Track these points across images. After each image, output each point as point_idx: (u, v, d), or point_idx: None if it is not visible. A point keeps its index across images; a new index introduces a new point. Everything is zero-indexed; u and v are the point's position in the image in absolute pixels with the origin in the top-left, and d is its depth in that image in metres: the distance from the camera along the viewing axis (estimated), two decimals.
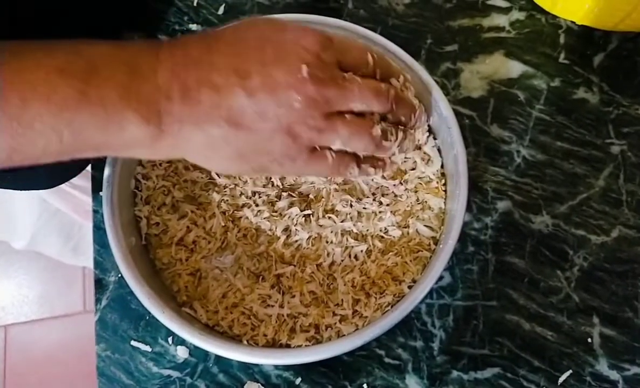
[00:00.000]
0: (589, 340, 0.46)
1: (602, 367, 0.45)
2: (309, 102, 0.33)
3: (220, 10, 0.56)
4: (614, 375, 0.45)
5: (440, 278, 0.47)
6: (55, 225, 0.77)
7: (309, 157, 0.36)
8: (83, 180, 0.67)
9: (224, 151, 0.35)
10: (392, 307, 0.43)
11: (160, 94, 0.33)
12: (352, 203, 0.46)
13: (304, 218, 0.45)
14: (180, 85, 0.33)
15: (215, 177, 0.47)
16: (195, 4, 0.56)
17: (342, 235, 0.45)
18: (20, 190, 0.57)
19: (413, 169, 0.47)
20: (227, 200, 0.47)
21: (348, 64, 0.36)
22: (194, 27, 0.55)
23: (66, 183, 0.64)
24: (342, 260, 0.45)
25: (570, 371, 0.45)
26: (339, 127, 0.35)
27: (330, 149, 0.36)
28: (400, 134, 0.39)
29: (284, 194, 0.46)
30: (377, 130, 0.37)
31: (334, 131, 0.35)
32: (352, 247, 0.45)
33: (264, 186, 0.47)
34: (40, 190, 0.66)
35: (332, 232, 0.45)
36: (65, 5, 0.45)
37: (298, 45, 0.34)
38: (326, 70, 0.34)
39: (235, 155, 0.35)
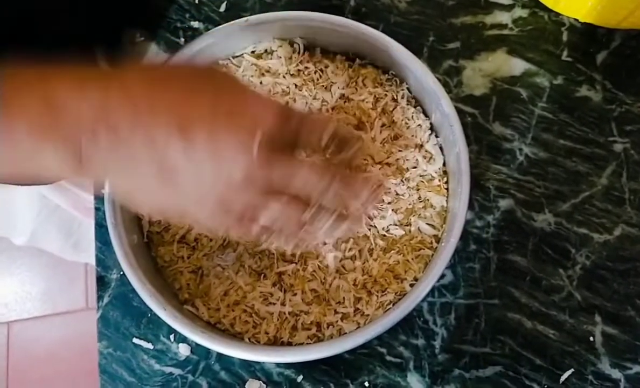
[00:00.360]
0: (591, 338, 0.46)
1: (604, 365, 0.45)
2: (251, 179, 0.31)
3: (222, 8, 0.56)
4: (615, 373, 0.45)
5: (442, 276, 0.47)
6: (55, 222, 0.77)
7: (234, 225, 0.33)
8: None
9: (147, 199, 0.33)
10: (393, 305, 0.43)
11: (83, 133, 0.29)
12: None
13: None
14: (109, 128, 0.29)
15: None
16: (197, 1, 0.56)
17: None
18: (22, 185, 0.57)
19: (415, 167, 0.47)
20: None
21: (304, 141, 0.34)
22: (195, 24, 0.55)
23: (66, 180, 0.64)
24: (344, 259, 0.45)
25: (572, 370, 0.45)
26: (272, 206, 0.33)
27: (256, 224, 0.34)
28: (329, 222, 0.35)
29: None
30: (306, 216, 0.34)
31: (267, 209, 0.33)
32: (354, 246, 0.45)
33: None
34: (40, 186, 0.66)
35: None
36: (65, 3, 0.45)
37: (255, 114, 0.31)
38: (277, 149, 0.31)
39: (158, 207, 0.33)
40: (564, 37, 0.53)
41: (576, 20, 0.54)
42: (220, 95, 0.31)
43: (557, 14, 0.54)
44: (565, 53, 0.53)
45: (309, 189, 0.33)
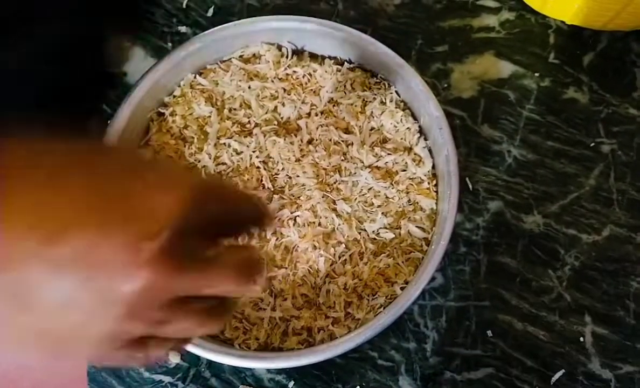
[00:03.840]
0: (581, 339, 0.46)
1: (595, 366, 0.45)
2: (147, 292, 0.22)
3: (210, 12, 0.56)
4: (606, 374, 0.45)
5: (433, 279, 0.47)
6: None
7: (123, 356, 0.25)
8: None
9: (4, 335, 0.23)
10: (384, 308, 0.43)
11: None
12: (343, 205, 0.45)
13: (294, 220, 0.45)
14: None
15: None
16: (184, 6, 0.56)
17: (334, 238, 0.45)
18: None
19: (404, 170, 0.47)
20: None
21: (222, 226, 0.27)
22: (183, 29, 0.55)
23: None
24: (334, 263, 0.44)
25: (563, 370, 0.45)
26: (177, 319, 0.24)
27: (154, 346, 0.25)
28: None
29: (276, 196, 0.46)
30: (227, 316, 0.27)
31: (171, 323, 0.24)
32: (344, 250, 0.45)
33: (255, 189, 0.46)
34: None
35: (323, 234, 0.45)
36: (49, 6, 0.45)
37: (154, 202, 0.23)
38: (187, 241, 0.23)
39: (17, 344, 0.23)
40: (551, 40, 0.54)
41: (563, 22, 0.54)
42: (101, 179, 0.23)
43: (544, 17, 0.54)
44: (552, 55, 0.53)
45: (224, 291, 0.25)
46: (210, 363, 0.46)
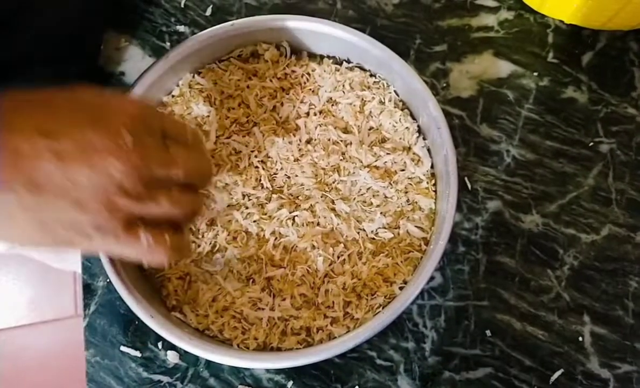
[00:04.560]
0: (580, 338, 0.46)
1: (593, 365, 0.45)
2: (130, 168, 0.30)
3: (208, 12, 0.55)
4: (605, 373, 0.45)
5: (432, 278, 0.47)
6: None
7: (123, 234, 0.32)
8: None
9: (21, 219, 0.30)
10: (383, 308, 0.43)
11: None
12: (342, 205, 0.45)
13: (292, 219, 0.45)
14: None
15: None
16: (182, 5, 0.56)
17: (333, 237, 0.45)
18: None
19: (403, 170, 0.47)
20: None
21: (169, 134, 0.34)
22: (181, 28, 0.55)
23: None
24: (333, 263, 0.44)
25: (562, 370, 0.45)
26: (158, 196, 0.32)
27: (144, 225, 0.33)
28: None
29: (274, 196, 0.46)
30: (199, 199, 0.36)
31: (154, 200, 0.32)
32: (343, 249, 0.45)
33: (253, 188, 0.46)
34: None
35: (322, 234, 0.45)
36: (46, 5, 0.44)
37: (118, 109, 0.32)
38: (149, 136, 0.32)
39: (35, 225, 0.31)
40: (550, 39, 0.54)
41: (562, 21, 0.54)
42: (79, 108, 0.31)
43: (543, 16, 0.54)
44: (551, 54, 0.53)
45: (190, 174, 0.34)
46: (209, 363, 0.46)
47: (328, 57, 0.51)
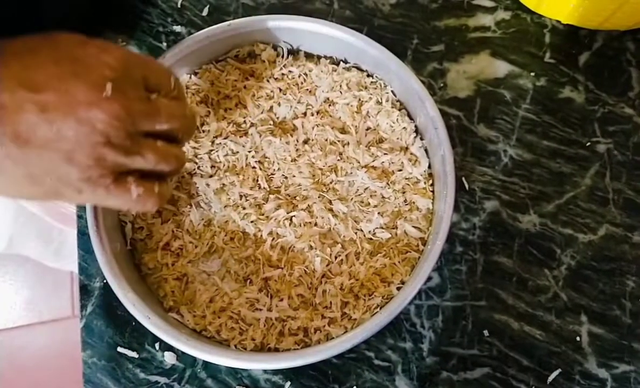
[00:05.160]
0: (578, 338, 0.46)
1: (591, 365, 0.45)
2: (114, 120, 0.31)
3: (205, 12, 0.55)
4: (602, 373, 0.45)
5: (429, 279, 0.47)
6: (34, 228, 0.75)
7: (112, 185, 0.33)
8: None
9: (10, 173, 0.31)
10: (381, 308, 0.43)
11: None
12: (339, 206, 0.45)
13: (290, 220, 0.45)
14: None
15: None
16: (179, 5, 0.56)
17: (330, 238, 0.45)
18: None
19: (400, 170, 0.47)
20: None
21: (152, 84, 0.35)
22: (178, 28, 0.55)
23: None
24: (330, 263, 0.44)
25: (559, 370, 0.45)
26: (145, 150, 0.33)
27: (134, 179, 0.34)
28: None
29: (272, 196, 0.46)
30: (183, 153, 0.37)
31: (141, 154, 0.33)
32: (340, 250, 0.45)
33: (251, 189, 0.46)
34: None
35: (319, 234, 0.45)
36: (48, 5, 0.44)
37: (100, 60, 0.31)
38: (132, 87, 0.32)
39: (24, 178, 0.31)
40: (547, 39, 0.54)
41: (558, 21, 0.54)
42: (61, 59, 0.31)
43: (540, 16, 0.54)
44: (548, 54, 0.53)
45: (173, 124, 0.35)
46: (206, 364, 0.46)
47: (325, 57, 0.51)
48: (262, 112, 0.49)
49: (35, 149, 0.30)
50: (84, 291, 0.48)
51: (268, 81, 0.49)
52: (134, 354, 0.47)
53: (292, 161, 0.47)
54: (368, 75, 0.50)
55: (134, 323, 0.47)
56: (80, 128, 0.30)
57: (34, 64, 0.30)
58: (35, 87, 0.29)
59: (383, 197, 0.46)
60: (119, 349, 0.47)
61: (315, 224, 0.45)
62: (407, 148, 0.48)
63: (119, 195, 0.33)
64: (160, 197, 0.36)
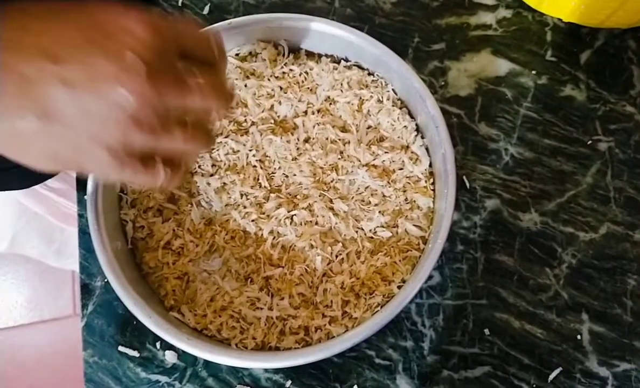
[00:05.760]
0: (579, 337, 0.46)
1: (592, 363, 0.45)
2: (143, 101, 0.28)
3: (206, 10, 0.55)
4: (603, 371, 0.45)
5: (430, 277, 0.47)
6: (36, 228, 0.75)
7: (140, 166, 0.31)
8: (60, 182, 0.65)
9: (35, 148, 0.29)
10: (381, 307, 0.43)
11: None
12: (340, 204, 0.45)
13: (291, 218, 0.45)
14: None
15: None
16: (180, 4, 0.56)
17: (331, 237, 0.45)
18: None
19: (401, 169, 0.47)
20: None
21: (191, 53, 0.31)
22: None
23: (41, 185, 0.63)
24: (331, 262, 0.44)
25: (560, 368, 0.45)
26: (173, 129, 0.31)
27: (163, 162, 0.32)
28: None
29: (272, 195, 0.46)
30: (214, 132, 0.33)
31: (169, 134, 0.30)
32: (341, 249, 0.45)
33: (251, 187, 0.46)
34: (16, 192, 0.65)
35: (320, 233, 0.45)
36: None
37: (131, 31, 0.28)
38: (162, 61, 0.29)
39: (48, 154, 0.29)
40: (548, 37, 0.54)
41: (560, 19, 0.54)
42: (82, 27, 0.28)
43: (541, 14, 0.54)
44: (549, 53, 0.53)
45: (206, 103, 0.31)
46: (207, 363, 0.46)
47: (326, 55, 0.51)
48: (262, 111, 0.49)
49: (60, 126, 0.28)
50: (85, 290, 0.49)
51: (269, 80, 0.49)
52: (135, 353, 0.47)
53: (292, 160, 0.47)
54: (369, 74, 0.50)
55: (135, 322, 0.47)
56: (105, 106, 0.28)
57: (59, 32, 0.28)
58: (59, 59, 0.27)
59: (384, 196, 0.46)
60: (120, 348, 0.47)
61: (316, 223, 0.45)
62: (408, 146, 0.48)
63: (146, 176, 0.31)
64: (185, 172, 0.34)
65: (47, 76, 0.27)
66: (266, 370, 0.46)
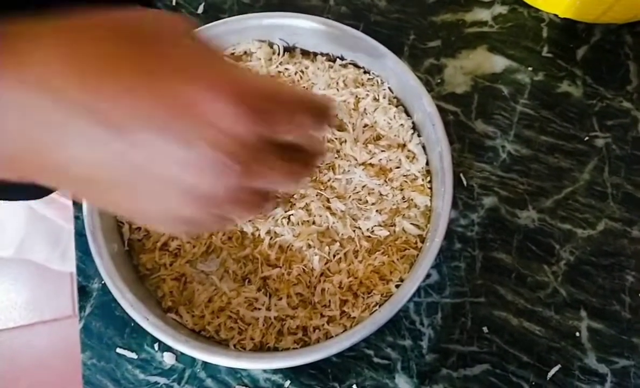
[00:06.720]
0: (577, 334, 0.46)
1: (591, 360, 0.45)
2: (232, 194, 0.24)
3: (200, 9, 0.55)
4: (602, 368, 0.45)
5: (428, 276, 0.47)
6: (43, 232, 0.75)
7: (212, 226, 0.27)
8: None
9: (113, 195, 0.24)
10: (380, 306, 0.43)
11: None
12: (337, 204, 0.45)
13: (288, 218, 0.45)
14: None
15: None
16: (174, 3, 0.55)
17: (329, 236, 0.45)
18: (10, 200, 0.55)
19: (398, 167, 0.46)
20: None
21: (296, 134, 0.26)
22: None
23: None
24: (329, 261, 0.44)
25: (559, 365, 0.45)
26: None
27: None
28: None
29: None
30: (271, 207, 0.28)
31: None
32: (339, 248, 0.44)
33: None
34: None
35: (317, 233, 0.45)
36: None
37: (212, 110, 0.22)
38: (256, 154, 0.23)
39: (126, 213, 0.26)
40: (544, 33, 0.53)
41: (556, 15, 0.54)
42: (167, 87, 0.22)
43: (537, 10, 0.54)
44: (545, 49, 0.53)
45: (274, 186, 0.26)
46: (206, 364, 0.46)
47: (321, 54, 0.50)
48: None
49: (154, 184, 0.23)
50: (83, 292, 0.48)
51: None
52: (133, 355, 0.47)
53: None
54: (365, 72, 0.50)
55: (132, 324, 0.47)
56: (176, 195, 0.23)
57: (112, 76, 0.21)
58: (113, 123, 0.21)
59: (381, 195, 0.46)
60: (118, 350, 0.47)
61: (314, 223, 0.45)
62: (404, 145, 0.47)
63: (247, 217, 0.28)
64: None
65: (100, 141, 0.22)
66: (265, 371, 0.46)
